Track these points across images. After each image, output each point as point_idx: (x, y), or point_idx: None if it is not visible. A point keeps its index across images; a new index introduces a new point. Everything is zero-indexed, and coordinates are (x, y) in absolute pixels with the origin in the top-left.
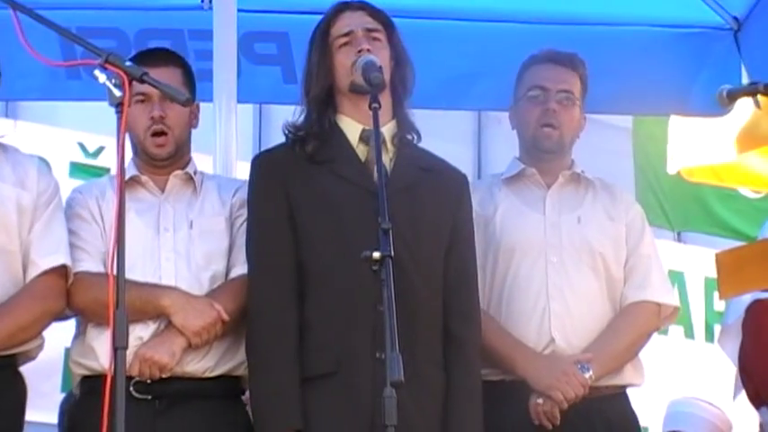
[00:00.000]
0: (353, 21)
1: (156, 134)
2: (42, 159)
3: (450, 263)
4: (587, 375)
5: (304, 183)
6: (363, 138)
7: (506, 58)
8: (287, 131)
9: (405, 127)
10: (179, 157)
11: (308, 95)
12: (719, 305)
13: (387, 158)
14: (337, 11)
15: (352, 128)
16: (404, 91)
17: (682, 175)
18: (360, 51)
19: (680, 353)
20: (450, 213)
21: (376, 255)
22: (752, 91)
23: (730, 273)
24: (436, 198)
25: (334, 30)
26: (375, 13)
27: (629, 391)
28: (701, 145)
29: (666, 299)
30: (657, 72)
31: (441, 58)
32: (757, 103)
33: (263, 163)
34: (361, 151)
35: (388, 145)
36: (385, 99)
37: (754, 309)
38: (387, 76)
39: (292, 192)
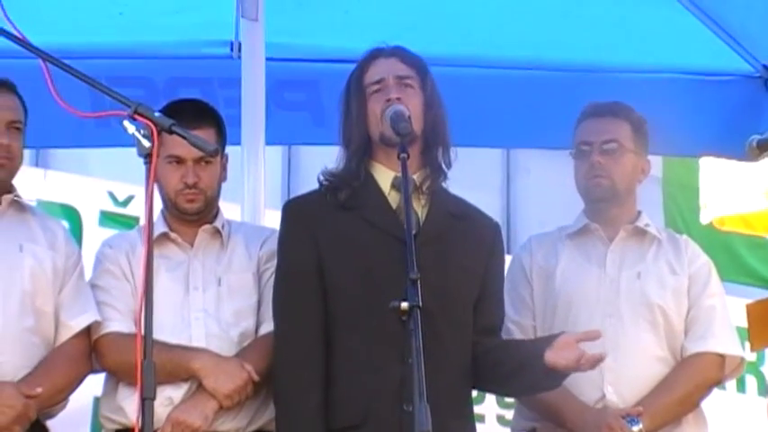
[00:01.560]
0: (385, 68)
1: (189, 187)
2: (68, 217)
3: (478, 315)
4: (636, 429)
5: (334, 229)
6: (395, 185)
7: (542, 103)
8: (322, 178)
9: (436, 173)
10: (208, 211)
11: (347, 144)
12: (750, 356)
13: (419, 206)
14: (371, 58)
15: (384, 175)
16: (436, 137)
17: (714, 224)
18: (388, 101)
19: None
20: (481, 262)
21: (404, 305)
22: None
23: (762, 324)
24: (468, 246)
25: (366, 77)
26: (408, 58)
27: None
28: (732, 194)
29: (730, 349)
30: (689, 116)
31: (468, 100)
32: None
33: (294, 209)
34: (393, 198)
35: (421, 192)
36: (416, 146)
37: None
38: (418, 123)
39: (322, 238)
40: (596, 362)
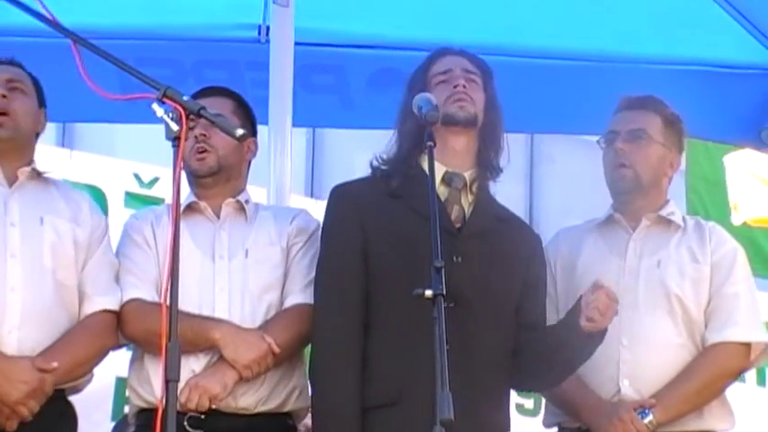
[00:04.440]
0: (454, 62)
1: (199, 151)
2: (96, 191)
3: (520, 315)
4: (646, 420)
5: (381, 215)
6: (445, 179)
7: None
8: (375, 164)
9: (488, 174)
10: (226, 180)
11: (400, 131)
12: None
13: (466, 202)
14: (439, 54)
15: (436, 168)
16: (493, 138)
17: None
18: (456, 86)
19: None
20: (523, 265)
21: (428, 293)
22: None
23: None
24: (511, 248)
25: (433, 68)
26: (474, 59)
27: None
28: (762, 195)
29: (754, 336)
30: (713, 105)
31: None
32: None
33: (342, 193)
34: (442, 192)
35: (470, 190)
36: (473, 143)
37: None
38: (479, 119)
39: (369, 223)
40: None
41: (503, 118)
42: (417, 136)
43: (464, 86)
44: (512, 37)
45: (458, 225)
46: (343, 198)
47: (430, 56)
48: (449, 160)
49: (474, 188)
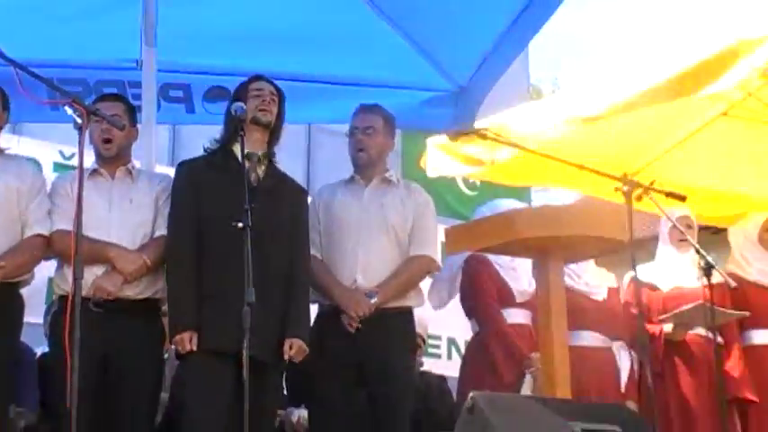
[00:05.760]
0: (263, 85)
1: (105, 141)
2: (36, 162)
3: (293, 237)
4: (372, 300)
5: (208, 178)
6: (248, 156)
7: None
8: (206, 145)
9: (272, 151)
10: (120, 158)
11: (224, 126)
12: None
13: (260, 170)
14: (254, 78)
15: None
16: (277, 134)
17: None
18: (263, 101)
19: None
20: (295, 209)
21: (240, 225)
22: (462, 133)
23: (453, 240)
24: (287, 197)
25: (250, 87)
26: (275, 84)
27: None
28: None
29: (433, 252)
30: (419, 110)
31: None
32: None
33: (184, 165)
34: (246, 164)
35: (262, 162)
36: (264, 135)
37: (471, 260)
38: (273, 122)
39: (200, 183)
40: None
41: (284, 121)
42: (233, 129)
43: (268, 102)
44: (293, 67)
45: (255, 184)
46: (184, 168)
47: (249, 79)
48: (251, 145)
49: (264, 162)
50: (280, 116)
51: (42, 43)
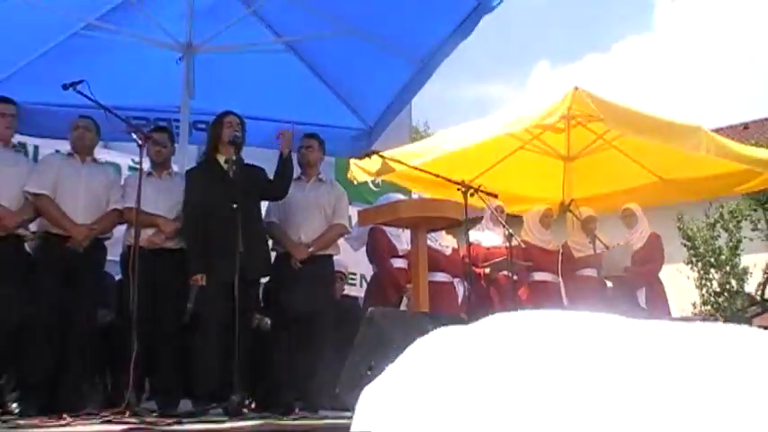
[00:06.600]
0: (233, 118)
1: (156, 152)
2: (117, 166)
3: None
4: (309, 249)
5: (203, 176)
6: (226, 161)
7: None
8: (200, 158)
9: (240, 157)
10: (164, 165)
11: (207, 144)
12: None
13: (233, 169)
14: (225, 114)
15: (223, 156)
16: (240, 146)
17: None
18: (233, 129)
19: None
20: (258, 183)
21: (234, 206)
22: (365, 155)
23: (363, 217)
24: (254, 182)
25: (224, 120)
26: (241, 118)
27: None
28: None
29: (347, 224)
30: (336, 142)
31: None
32: (365, 156)
33: (190, 170)
34: (224, 165)
35: (235, 164)
36: (234, 148)
37: (373, 229)
38: (239, 142)
39: (197, 180)
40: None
41: (245, 139)
42: (215, 145)
43: (236, 130)
44: (254, 111)
45: (232, 177)
46: (190, 172)
47: (221, 114)
48: (227, 154)
49: (235, 163)
50: (243, 136)
51: (122, 93)
